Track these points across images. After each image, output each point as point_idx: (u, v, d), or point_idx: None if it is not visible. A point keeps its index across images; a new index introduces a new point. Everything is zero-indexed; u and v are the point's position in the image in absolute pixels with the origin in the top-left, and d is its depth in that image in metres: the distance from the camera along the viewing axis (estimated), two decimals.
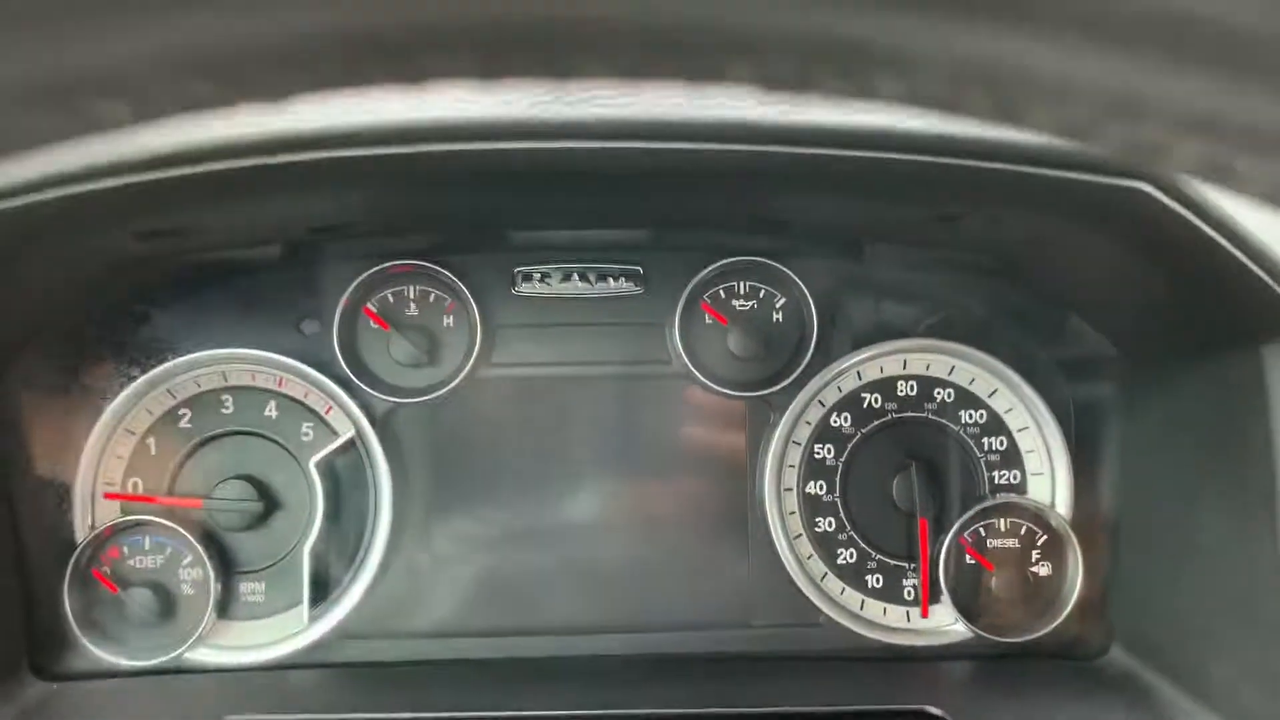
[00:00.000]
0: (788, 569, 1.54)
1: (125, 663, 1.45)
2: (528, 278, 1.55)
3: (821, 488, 1.57)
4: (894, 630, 1.55)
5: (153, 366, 1.47)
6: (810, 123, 0.88)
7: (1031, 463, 1.56)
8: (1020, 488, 1.56)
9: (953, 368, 1.56)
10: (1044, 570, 1.55)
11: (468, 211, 1.21)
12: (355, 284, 1.49)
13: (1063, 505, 1.54)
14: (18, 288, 1.16)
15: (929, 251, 1.42)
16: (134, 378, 1.47)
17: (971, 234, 1.20)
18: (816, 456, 1.57)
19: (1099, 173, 0.95)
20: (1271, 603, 1.15)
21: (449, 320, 1.54)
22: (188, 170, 0.91)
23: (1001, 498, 1.55)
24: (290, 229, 1.21)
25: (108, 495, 1.48)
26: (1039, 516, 1.55)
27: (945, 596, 1.51)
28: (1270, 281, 1.07)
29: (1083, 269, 1.26)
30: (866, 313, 1.57)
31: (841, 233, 1.34)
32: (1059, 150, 0.94)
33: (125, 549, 1.49)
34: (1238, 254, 1.04)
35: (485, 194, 1.10)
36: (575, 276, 1.55)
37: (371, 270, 1.49)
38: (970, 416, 1.57)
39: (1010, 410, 1.57)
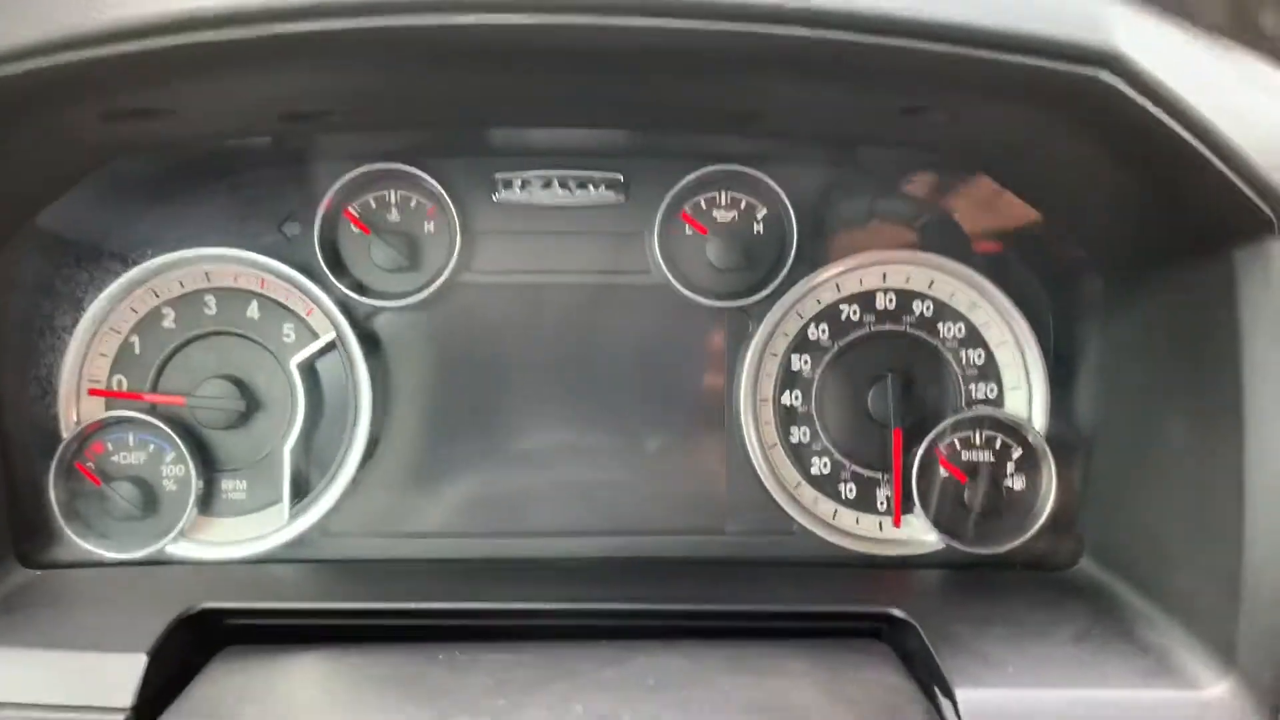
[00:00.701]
0: (762, 477, 1.56)
1: (108, 555, 1.49)
2: (508, 185, 1.56)
3: (797, 398, 1.58)
4: (866, 540, 1.57)
5: (135, 264, 1.49)
6: (778, 1, 0.88)
7: (1009, 377, 1.57)
8: (997, 401, 1.58)
9: (932, 281, 1.57)
10: (1018, 484, 1.56)
11: (443, 100, 1.20)
12: (337, 186, 1.50)
13: (1039, 420, 1.56)
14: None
15: (905, 155, 1.42)
16: (116, 275, 1.50)
17: (939, 132, 1.19)
18: (793, 368, 1.58)
19: (1058, 59, 0.94)
20: (1231, 509, 1.15)
21: (430, 226, 1.55)
22: (146, 44, 0.91)
23: (977, 410, 1.56)
24: (263, 114, 1.21)
25: (92, 391, 1.51)
26: (1014, 430, 1.56)
27: (918, 506, 1.53)
28: (1238, 181, 1.05)
29: (1054, 171, 1.25)
30: (846, 225, 1.57)
31: (813, 128, 1.33)
32: (1017, 35, 0.94)
33: (109, 445, 1.52)
34: (1203, 150, 1.03)
35: (460, 77, 1.10)
36: (556, 184, 1.56)
37: (353, 173, 1.50)
38: (949, 330, 1.58)
39: (989, 324, 1.57)
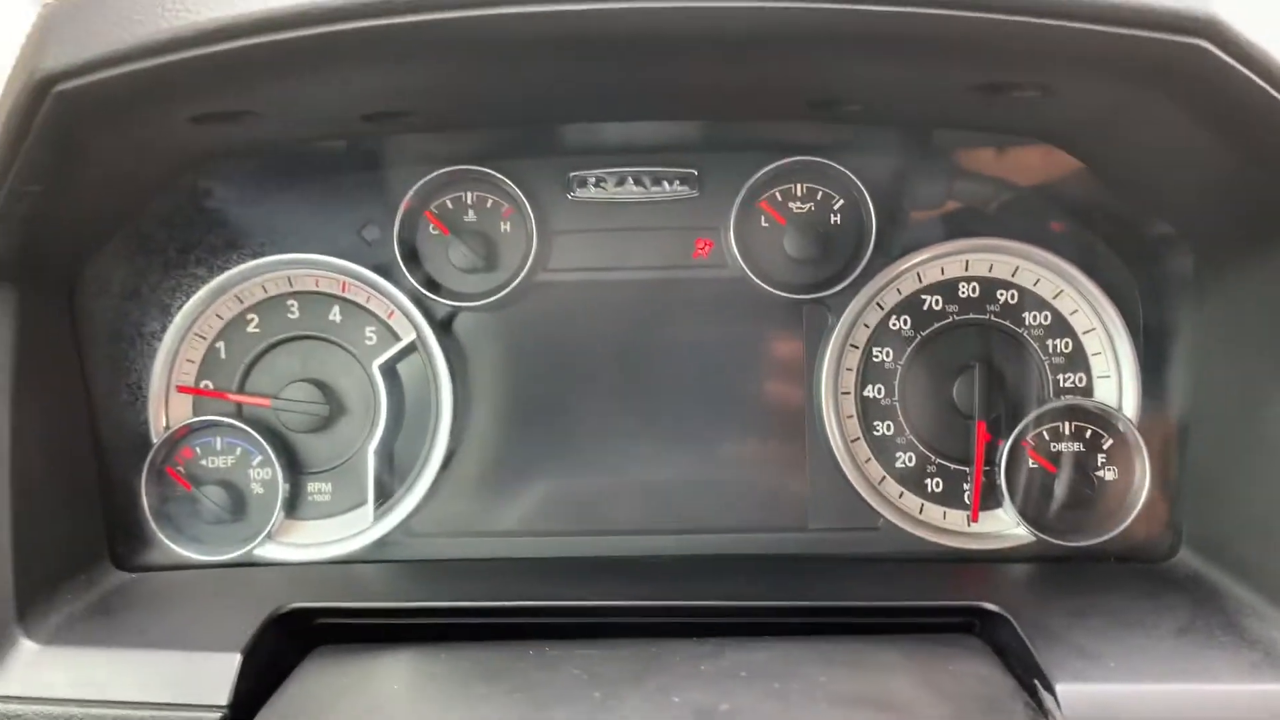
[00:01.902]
0: (845, 472, 1.54)
1: (198, 557, 1.52)
2: (583, 183, 1.56)
3: (880, 391, 1.56)
4: (954, 534, 1.55)
5: (219, 270, 1.52)
6: None
7: (1098, 365, 1.54)
8: (1086, 390, 1.54)
9: (1016, 268, 1.54)
10: (1110, 474, 1.53)
11: (519, 97, 1.21)
12: (415, 189, 1.52)
13: (1130, 408, 1.52)
14: (89, 184, 1.20)
15: (982, 137, 1.39)
16: (202, 281, 1.53)
17: (1024, 111, 1.17)
18: (875, 359, 1.56)
19: (1156, 28, 0.91)
20: None
21: (506, 226, 1.56)
22: (234, 44, 0.93)
23: (1065, 400, 1.52)
24: (345, 116, 1.22)
25: (180, 389, 1.54)
26: (1105, 420, 1.52)
27: (1006, 500, 1.50)
28: None
29: (1145, 146, 1.22)
30: (925, 211, 1.55)
31: (893, 111, 1.31)
32: (1114, 4, 0.91)
33: (198, 449, 1.55)
34: None
35: (537, 69, 1.10)
36: (630, 180, 1.56)
37: (431, 175, 1.52)
38: (1034, 319, 1.55)
39: (1076, 312, 1.54)
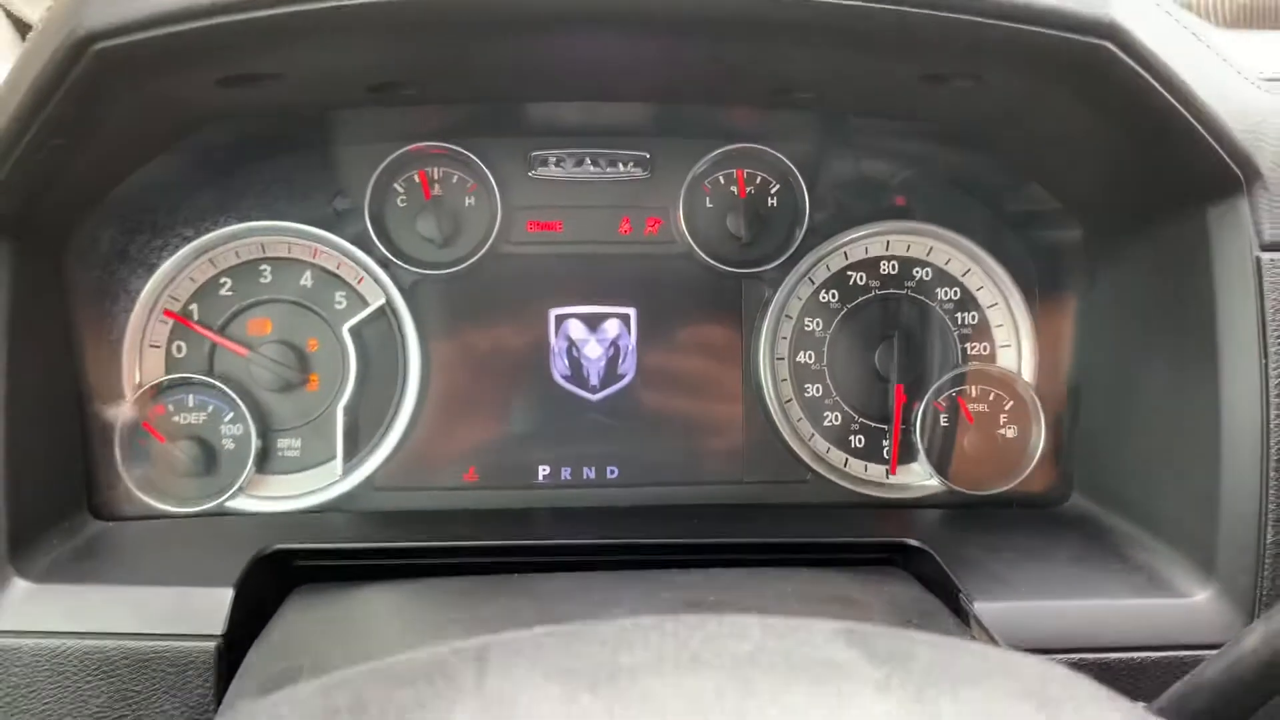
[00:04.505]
0: (780, 430, 1.69)
1: (172, 509, 1.58)
2: (543, 162, 1.68)
3: (810, 357, 1.72)
4: (874, 484, 1.71)
5: (205, 232, 1.59)
6: None
7: (1000, 335, 1.72)
8: (990, 358, 1.72)
9: (930, 248, 1.72)
10: (1011, 432, 1.71)
11: (498, 72, 1.32)
12: (385, 163, 1.61)
13: (1028, 373, 1.71)
14: (101, 141, 1.26)
15: (910, 125, 1.56)
16: (178, 247, 1.59)
17: (954, 100, 1.34)
18: (806, 329, 1.71)
19: (1062, 29, 1.10)
20: (1208, 441, 1.29)
21: (470, 200, 1.67)
22: (274, 11, 1.03)
23: (972, 366, 1.71)
24: (354, 84, 1.32)
25: (167, 313, 1.60)
26: (1006, 383, 1.71)
27: (921, 454, 1.68)
28: (1213, 142, 1.22)
29: (1050, 134, 1.40)
30: (852, 199, 1.72)
31: (841, 99, 1.47)
32: (1033, 7, 1.09)
33: (171, 405, 1.61)
34: (1185, 114, 1.19)
35: (513, 48, 1.22)
36: (588, 161, 1.68)
37: (400, 150, 1.62)
38: (946, 294, 1.72)
39: (981, 288, 1.72)
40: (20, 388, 1.33)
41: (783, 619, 0.62)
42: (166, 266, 1.58)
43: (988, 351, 1.73)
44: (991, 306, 1.72)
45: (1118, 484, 1.55)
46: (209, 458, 1.60)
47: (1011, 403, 1.71)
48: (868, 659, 0.60)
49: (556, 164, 1.68)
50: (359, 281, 1.65)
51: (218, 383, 1.59)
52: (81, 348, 1.51)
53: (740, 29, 1.12)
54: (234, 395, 1.59)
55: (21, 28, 1.80)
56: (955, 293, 1.72)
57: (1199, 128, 1.20)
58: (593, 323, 1.70)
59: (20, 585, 1.28)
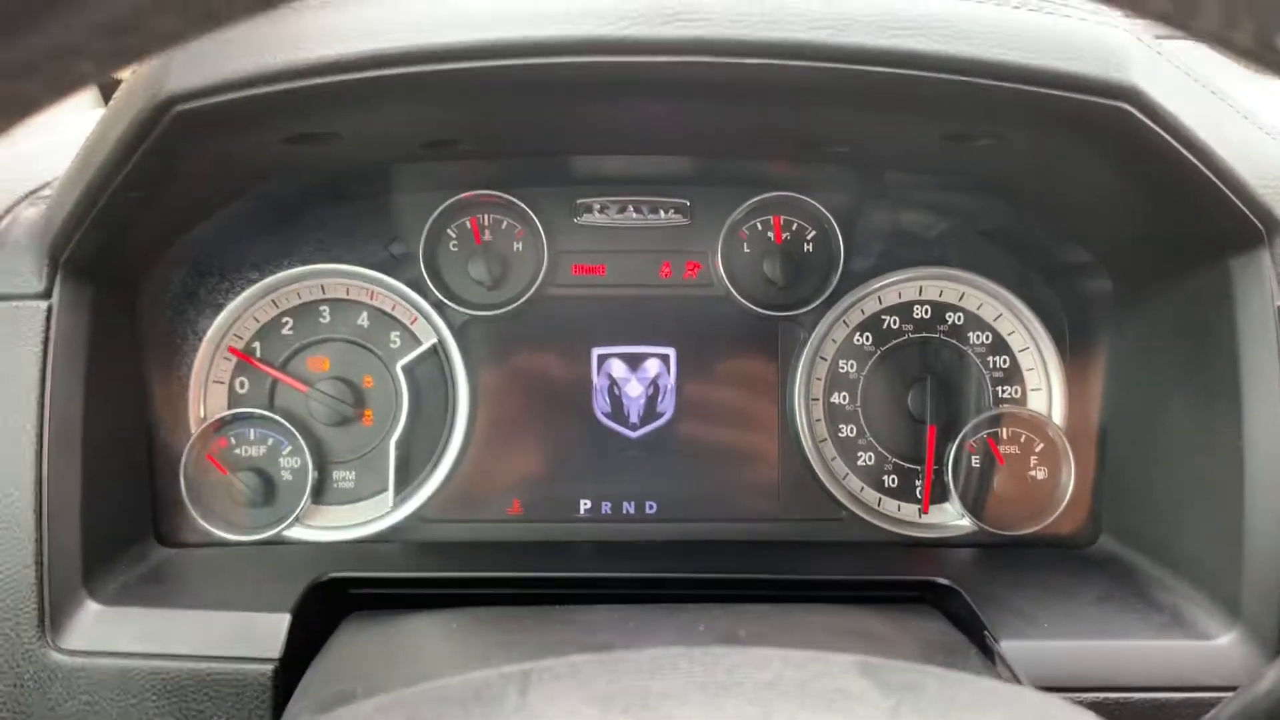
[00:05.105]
0: (814, 469, 1.74)
1: (232, 537, 1.66)
2: (588, 209, 1.76)
3: (844, 398, 1.77)
4: (907, 524, 1.75)
5: (260, 279, 1.68)
6: (851, 43, 1.08)
7: (1031, 379, 1.76)
8: (1022, 401, 1.76)
9: (963, 294, 1.77)
10: (1041, 474, 1.75)
11: (546, 130, 1.40)
12: (439, 210, 1.70)
13: (1058, 416, 1.75)
14: (175, 193, 1.36)
15: (941, 179, 1.62)
16: (243, 289, 1.69)
17: (980, 156, 1.40)
18: (841, 370, 1.77)
19: (1085, 92, 1.15)
20: (1232, 483, 1.32)
21: (519, 245, 1.75)
22: (339, 78, 1.11)
23: (1004, 409, 1.75)
24: (410, 141, 1.41)
25: (232, 350, 1.69)
26: (1037, 426, 1.75)
27: (954, 494, 1.72)
28: (1233, 197, 1.26)
29: (1076, 189, 1.45)
30: (886, 244, 1.77)
31: (869, 155, 1.53)
32: (1056, 72, 1.15)
33: (233, 439, 1.70)
34: (1205, 171, 1.24)
35: (571, 107, 1.30)
36: (630, 209, 1.76)
37: (453, 199, 1.70)
38: (977, 338, 1.77)
39: (1013, 333, 1.77)
40: (95, 422, 1.42)
41: (801, 651, 0.67)
42: (232, 307, 1.68)
43: (1019, 394, 1.77)
44: (1023, 351, 1.76)
45: (1145, 526, 1.58)
46: (268, 488, 1.68)
47: (1042, 445, 1.75)
48: (879, 689, 0.65)
49: (600, 211, 1.75)
50: (413, 322, 1.73)
51: (278, 417, 1.68)
52: (151, 384, 1.61)
53: (747, 93, 1.18)
54: (293, 429, 1.67)
55: (101, 88, 1.92)
56: (987, 337, 1.77)
57: (1219, 184, 1.25)
58: (634, 362, 1.77)
59: (93, 607, 1.36)
